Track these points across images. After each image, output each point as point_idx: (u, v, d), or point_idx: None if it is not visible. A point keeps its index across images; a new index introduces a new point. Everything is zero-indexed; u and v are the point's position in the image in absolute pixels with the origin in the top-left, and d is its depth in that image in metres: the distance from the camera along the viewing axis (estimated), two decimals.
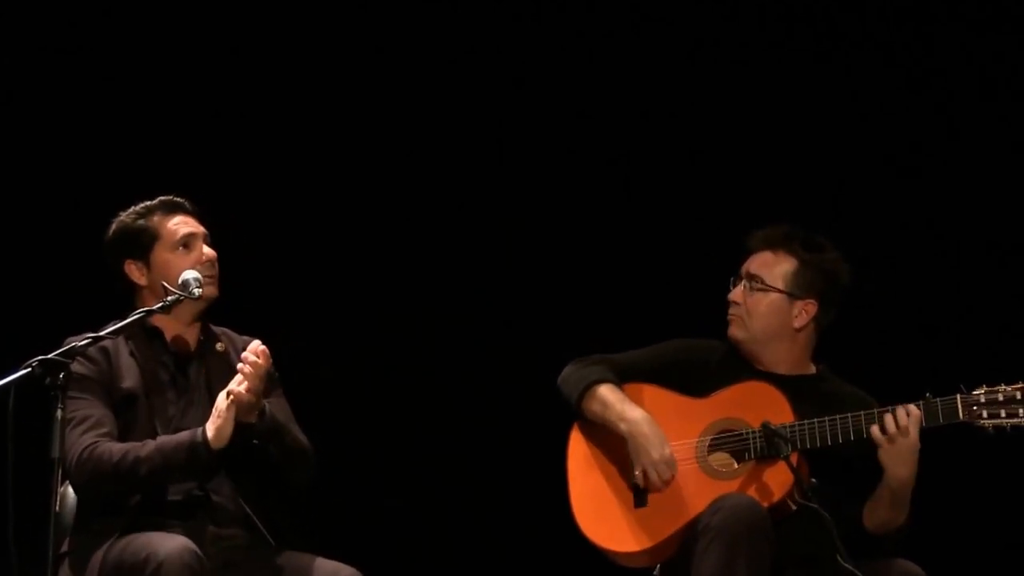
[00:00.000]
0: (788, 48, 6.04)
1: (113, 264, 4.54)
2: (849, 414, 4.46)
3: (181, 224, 4.52)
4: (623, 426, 4.61)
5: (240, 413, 4.27)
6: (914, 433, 4.40)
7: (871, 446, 4.43)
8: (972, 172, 5.90)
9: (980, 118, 5.88)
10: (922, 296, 5.87)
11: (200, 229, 4.55)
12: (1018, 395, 4.35)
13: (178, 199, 4.57)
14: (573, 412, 4.73)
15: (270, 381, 4.42)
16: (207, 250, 4.52)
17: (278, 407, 4.47)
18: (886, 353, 5.70)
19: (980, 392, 4.38)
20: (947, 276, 5.86)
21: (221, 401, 4.28)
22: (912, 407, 4.41)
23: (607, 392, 4.68)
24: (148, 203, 4.56)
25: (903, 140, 5.95)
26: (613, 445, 4.69)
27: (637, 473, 4.58)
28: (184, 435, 4.30)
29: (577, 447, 4.76)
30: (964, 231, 5.88)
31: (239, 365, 4.27)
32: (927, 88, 5.92)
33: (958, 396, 4.39)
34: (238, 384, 4.26)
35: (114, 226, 4.56)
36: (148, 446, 4.28)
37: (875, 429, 4.42)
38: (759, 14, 6.05)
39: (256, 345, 4.30)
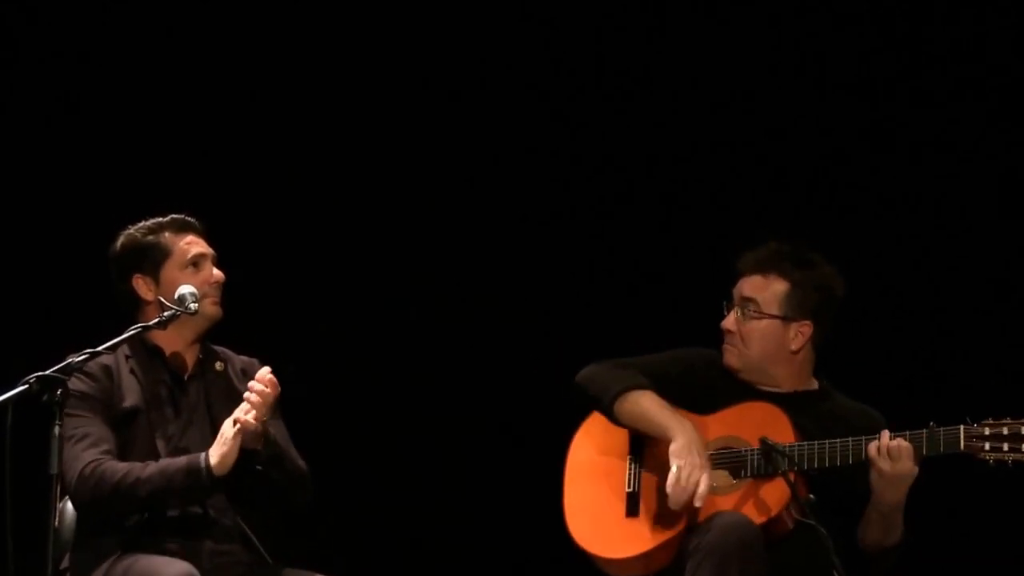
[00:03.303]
0: (786, 51, 6.05)
1: (119, 277, 4.55)
2: (850, 438, 4.45)
3: (192, 244, 4.54)
4: (670, 435, 4.53)
5: (246, 441, 4.29)
6: (907, 462, 4.39)
7: (868, 470, 4.43)
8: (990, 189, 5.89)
9: (996, 141, 5.86)
10: (937, 324, 5.86)
11: (210, 250, 4.57)
12: (1022, 431, 4.33)
13: (189, 218, 4.59)
14: (601, 408, 4.68)
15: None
16: (215, 272, 4.54)
17: (277, 430, 4.48)
18: (898, 379, 5.68)
19: (984, 424, 4.37)
20: (964, 306, 5.84)
21: (228, 428, 4.29)
22: (902, 441, 4.40)
23: (648, 400, 4.62)
24: (159, 219, 4.57)
25: (917, 160, 5.94)
26: (610, 457, 4.70)
27: (671, 474, 4.47)
28: (187, 459, 4.31)
29: (576, 455, 4.77)
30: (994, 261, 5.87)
31: (247, 394, 4.27)
32: (944, 106, 5.91)
33: (961, 427, 4.38)
34: (245, 412, 4.26)
35: (123, 239, 4.57)
36: (150, 467, 4.30)
37: (872, 447, 4.41)
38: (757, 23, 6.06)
39: (264, 373, 4.30)
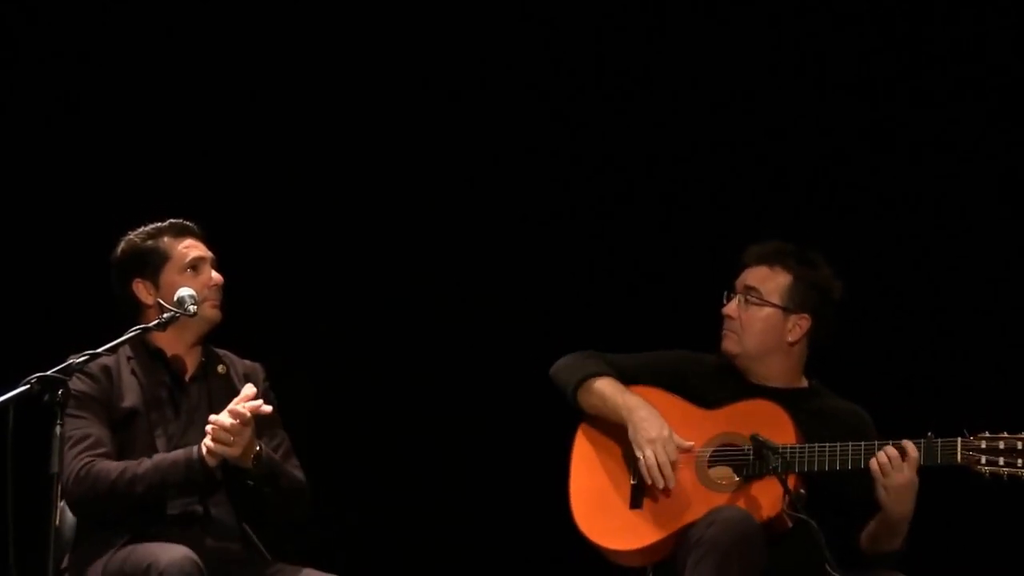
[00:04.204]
0: (786, 51, 6.05)
1: (120, 282, 4.57)
2: (850, 444, 4.48)
3: (191, 247, 4.56)
4: (623, 413, 4.65)
5: (233, 460, 4.30)
6: (909, 471, 4.41)
7: (869, 477, 4.45)
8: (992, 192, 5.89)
9: (996, 141, 5.86)
10: (937, 329, 5.86)
11: (208, 253, 4.58)
12: (1019, 445, 4.35)
13: (188, 222, 4.60)
14: (568, 401, 4.76)
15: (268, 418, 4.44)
16: (214, 274, 4.55)
17: (277, 441, 4.50)
18: (896, 388, 5.67)
19: (982, 438, 4.38)
20: (965, 314, 5.84)
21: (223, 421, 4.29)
22: (910, 446, 4.42)
23: (605, 384, 4.72)
24: (159, 224, 4.59)
25: (917, 160, 5.94)
26: (616, 445, 4.73)
27: (638, 456, 4.59)
28: (180, 453, 4.33)
29: (581, 446, 4.80)
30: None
31: (208, 427, 4.26)
32: (944, 106, 5.91)
33: (959, 439, 4.39)
34: (214, 440, 4.25)
35: (123, 245, 4.58)
36: (144, 464, 4.32)
37: (873, 463, 4.44)
38: (757, 23, 6.06)
39: (240, 407, 4.27)
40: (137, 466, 4.32)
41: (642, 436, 4.60)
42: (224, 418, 4.26)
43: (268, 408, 4.33)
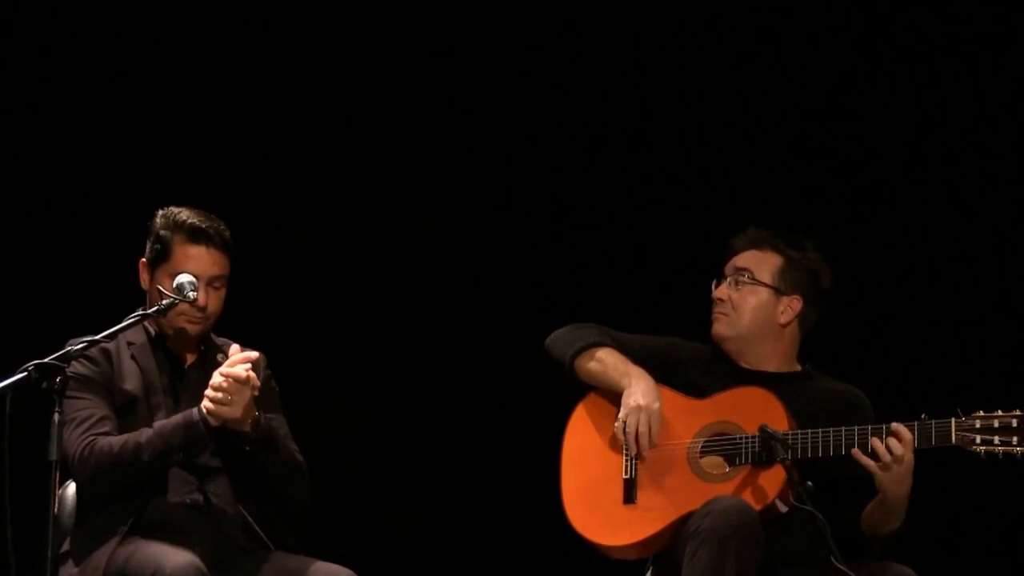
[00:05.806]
0: (786, 51, 6.06)
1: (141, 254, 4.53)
2: (843, 429, 4.47)
3: (192, 261, 4.44)
4: (624, 381, 4.63)
5: (231, 423, 4.30)
6: (908, 456, 4.41)
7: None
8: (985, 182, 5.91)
9: (991, 137, 5.88)
10: (930, 315, 5.88)
11: (206, 273, 4.44)
12: (1014, 423, 4.34)
13: (209, 229, 4.46)
14: (565, 368, 4.74)
15: (269, 396, 4.47)
16: (201, 298, 4.42)
17: (275, 424, 4.48)
18: (889, 371, 5.70)
19: (976, 417, 4.38)
20: (955, 300, 5.86)
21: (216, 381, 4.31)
22: (905, 431, 4.41)
23: (608, 353, 4.71)
24: (183, 217, 4.46)
25: (911, 150, 5.96)
26: (607, 440, 4.72)
27: (620, 419, 4.59)
28: (181, 416, 4.34)
29: (571, 443, 4.79)
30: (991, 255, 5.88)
31: (208, 391, 4.28)
32: (935, 98, 5.93)
33: (953, 420, 4.39)
34: (214, 402, 4.27)
35: (157, 219, 4.48)
36: (145, 432, 4.33)
37: (869, 457, 4.42)
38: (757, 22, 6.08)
39: (236, 367, 4.28)
40: (139, 436, 4.33)
41: (632, 400, 4.58)
42: (216, 378, 4.26)
43: (255, 354, 4.32)
